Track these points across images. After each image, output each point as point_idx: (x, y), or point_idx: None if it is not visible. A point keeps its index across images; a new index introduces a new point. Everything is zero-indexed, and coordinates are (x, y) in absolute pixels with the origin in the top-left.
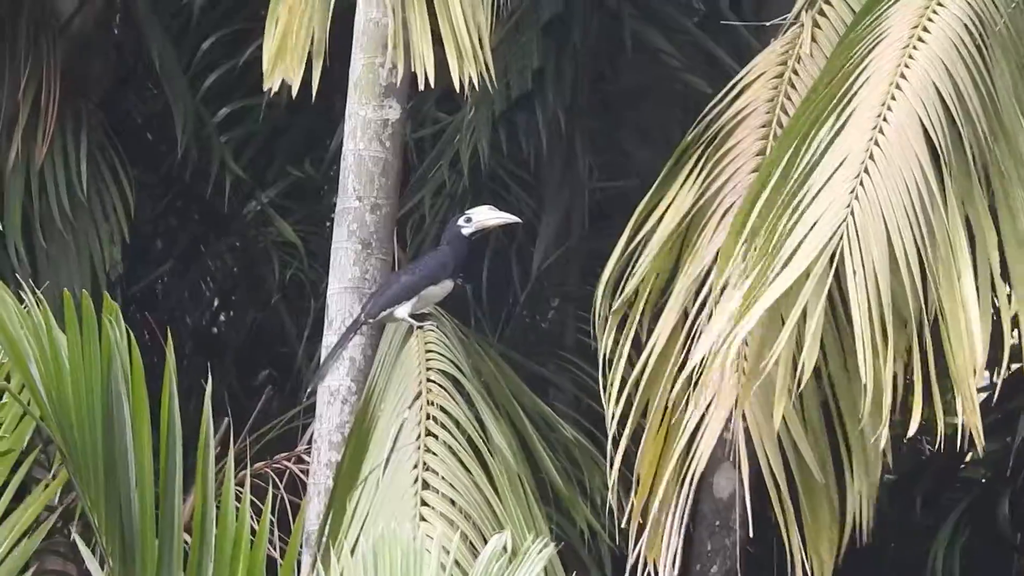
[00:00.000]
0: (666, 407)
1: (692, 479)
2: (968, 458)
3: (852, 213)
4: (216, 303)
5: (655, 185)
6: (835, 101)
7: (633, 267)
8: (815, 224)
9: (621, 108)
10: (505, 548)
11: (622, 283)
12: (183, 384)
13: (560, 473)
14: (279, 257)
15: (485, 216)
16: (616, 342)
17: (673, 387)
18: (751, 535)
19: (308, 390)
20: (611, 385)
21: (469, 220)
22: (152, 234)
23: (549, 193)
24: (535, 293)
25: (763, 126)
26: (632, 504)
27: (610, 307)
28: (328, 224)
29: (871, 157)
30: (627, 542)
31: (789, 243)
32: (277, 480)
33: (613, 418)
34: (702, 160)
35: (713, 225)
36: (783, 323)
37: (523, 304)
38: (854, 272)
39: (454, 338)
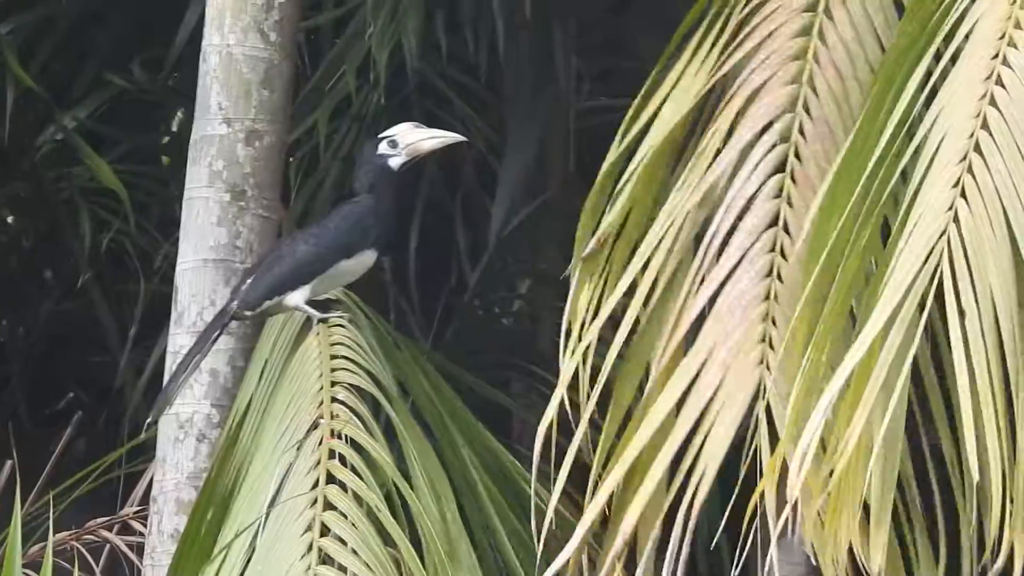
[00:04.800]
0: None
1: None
2: None
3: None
4: None
5: (654, 71)
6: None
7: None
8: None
9: None
10: None
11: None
12: None
13: (523, 548)
14: (91, 213)
15: (414, 137)
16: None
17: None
18: None
19: (148, 421)
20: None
21: (395, 145)
22: None
23: (515, 116)
24: (493, 272)
25: None
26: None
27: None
28: (171, 161)
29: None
30: None
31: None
32: (91, 560)
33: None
34: (718, 26)
35: (731, 115)
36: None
37: (473, 290)
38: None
39: (373, 339)
